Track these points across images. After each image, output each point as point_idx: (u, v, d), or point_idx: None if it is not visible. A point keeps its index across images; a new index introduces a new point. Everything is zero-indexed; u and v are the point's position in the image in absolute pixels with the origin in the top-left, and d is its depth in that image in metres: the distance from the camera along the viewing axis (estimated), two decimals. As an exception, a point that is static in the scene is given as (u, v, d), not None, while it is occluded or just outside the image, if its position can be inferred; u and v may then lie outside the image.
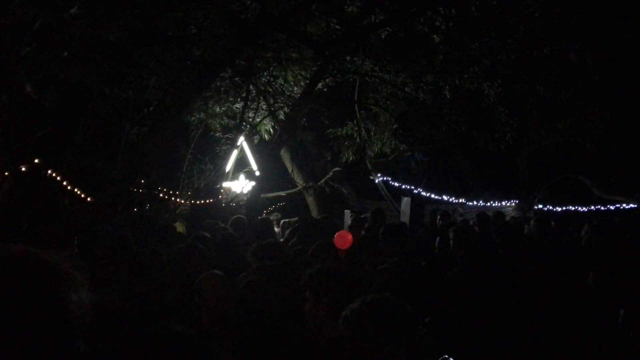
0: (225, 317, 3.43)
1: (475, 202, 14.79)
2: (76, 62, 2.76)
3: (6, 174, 8.65)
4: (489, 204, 14.69)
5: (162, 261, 4.47)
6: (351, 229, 7.52)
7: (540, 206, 15.40)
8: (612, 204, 15.37)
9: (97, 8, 2.68)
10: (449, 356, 2.22)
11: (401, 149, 13.41)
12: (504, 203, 14.87)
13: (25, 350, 1.05)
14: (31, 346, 1.06)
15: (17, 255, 1.14)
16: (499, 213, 9.46)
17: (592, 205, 15.41)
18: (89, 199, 8.90)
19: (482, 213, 8.49)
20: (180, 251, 4.55)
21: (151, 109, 9.72)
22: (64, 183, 9.09)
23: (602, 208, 15.11)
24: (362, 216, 9.44)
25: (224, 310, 3.47)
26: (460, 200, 14.78)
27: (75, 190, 9.09)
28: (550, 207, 15.31)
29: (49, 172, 9.07)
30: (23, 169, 8.87)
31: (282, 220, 9.20)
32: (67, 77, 2.70)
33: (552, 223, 7.66)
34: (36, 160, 8.95)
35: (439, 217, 8.92)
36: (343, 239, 7.32)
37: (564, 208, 15.16)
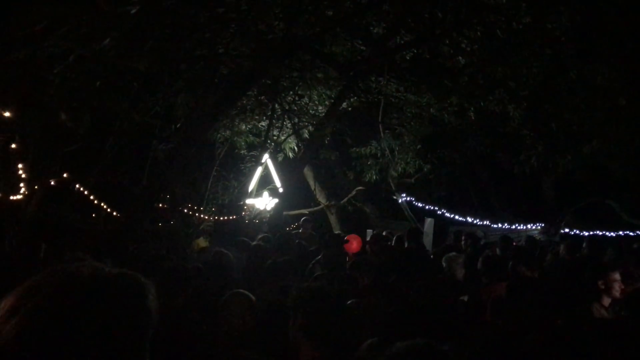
0: (245, 339, 3.17)
1: (499, 225, 14.60)
2: (108, 90, 2.86)
3: (36, 187, 8.89)
4: (513, 226, 14.49)
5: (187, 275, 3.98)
6: (369, 243, 7.51)
7: (566, 230, 15.14)
8: (642, 230, 15.03)
9: (127, 40, 2.77)
10: None
11: (425, 169, 13.35)
12: (529, 226, 14.65)
13: None
14: None
15: None
16: (531, 238, 9.26)
17: (621, 230, 15.09)
18: (115, 214, 9.08)
19: (505, 236, 8.33)
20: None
21: (178, 126, 9.89)
22: (91, 197, 9.30)
23: (631, 234, 14.77)
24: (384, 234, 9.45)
25: (245, 332, 3.22)
26: (485, 223, 14.60)
27: (102, 204, 9.28)
28: (577, 231, 15.04)
29: (77, 186, 9.29)
30: (52, 183, 9.11)
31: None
32: (99, 105, 2.79)
33: (584, 246, 7.54)
34: (65, 175, 9.19)
35: (463, 239, 8.80)
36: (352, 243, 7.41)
37: (591, 232, 14.87)
